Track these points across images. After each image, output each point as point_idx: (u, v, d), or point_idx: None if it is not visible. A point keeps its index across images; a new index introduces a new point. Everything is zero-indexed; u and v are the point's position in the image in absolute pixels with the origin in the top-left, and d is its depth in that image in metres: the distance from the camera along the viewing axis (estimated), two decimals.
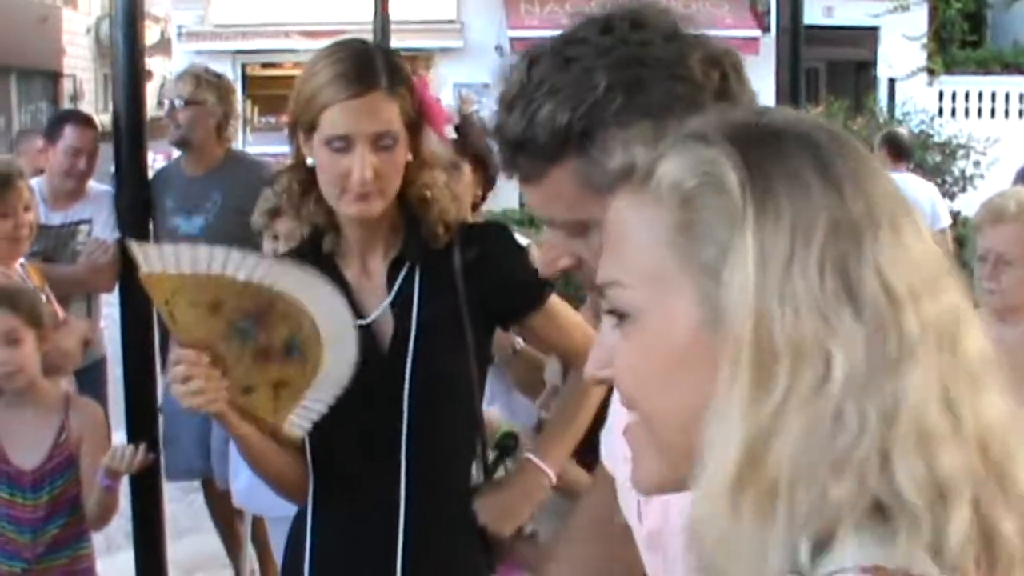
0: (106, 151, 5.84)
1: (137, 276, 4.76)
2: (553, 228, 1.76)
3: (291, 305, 2.62)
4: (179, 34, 22.96)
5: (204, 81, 6.15)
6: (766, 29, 22.32)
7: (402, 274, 2.89)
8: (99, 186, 6.39)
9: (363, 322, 2.83)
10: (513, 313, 3.06)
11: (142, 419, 5.47)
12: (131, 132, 5.38)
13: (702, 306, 1.21)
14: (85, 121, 6.54)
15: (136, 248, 2.60)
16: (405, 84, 2.82)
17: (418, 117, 2.85)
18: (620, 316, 1.27)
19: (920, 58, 23.45)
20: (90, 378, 5.71)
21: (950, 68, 23.93)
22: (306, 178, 2.84)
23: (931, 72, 23.66)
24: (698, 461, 1.19)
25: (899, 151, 9.95)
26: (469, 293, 2.86)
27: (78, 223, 6.12)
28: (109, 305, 6.12)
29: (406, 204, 2.88)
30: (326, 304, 2.65)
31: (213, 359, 2.64)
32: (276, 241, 4.79)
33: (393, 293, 2.88)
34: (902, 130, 12.15)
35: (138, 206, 5.50)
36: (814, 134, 1.25)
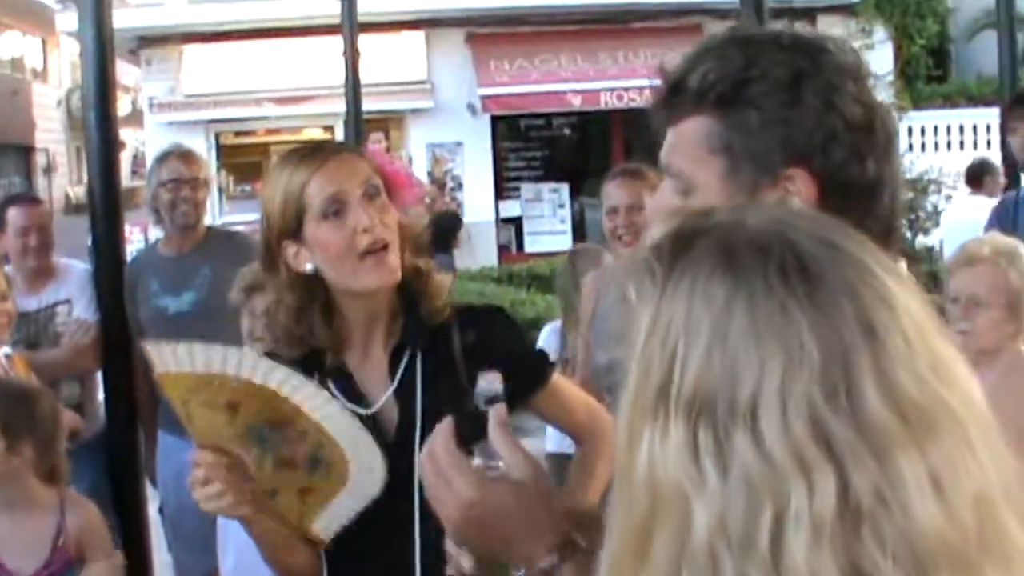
0: (81, 224, 5.86)
1: (116, 352, 4.79)
2: (670, 180, 1.93)
3: (311, 423, 2.61)
4: (150, 105, 22.95)
5: (195, 158, 6.17)
6: None
7: (404, 361, 2.90)
8: (75, 265, 6.39)
9: (368, 411, 2.85)
10: (517, 395, 2.97)
11: (130, 490, 5.49)
12: (107, 207, 5.41)
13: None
14: (27, 200, 6.56)
15: (151, 348, 2.59)
16: (364, 153, 2.87)
17: (388, 185, 2.88)
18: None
19: (887, 96, 23.56)
20: (89, 452, 5.68)
21: (917, 104, 24.03)
22: (305, 291, 2.84)
23: (900, 109, 23.76)
24: None
25: None
26: (471, 377, 2.83)
27: (55, 305, 6.11)
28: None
29: (402, 284, 2.88)
30: (347, 430, 2.65)
31: (232, 461, 2.62)
32: (254, 318, 4.75)
33: (396, 381, 2.89)
34: None
35: (116, 280, 5.53)
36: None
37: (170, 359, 2.57)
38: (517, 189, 24.18)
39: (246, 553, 4.73)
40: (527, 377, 3.03)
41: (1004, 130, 7.15)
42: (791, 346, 1.23)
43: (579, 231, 24.37)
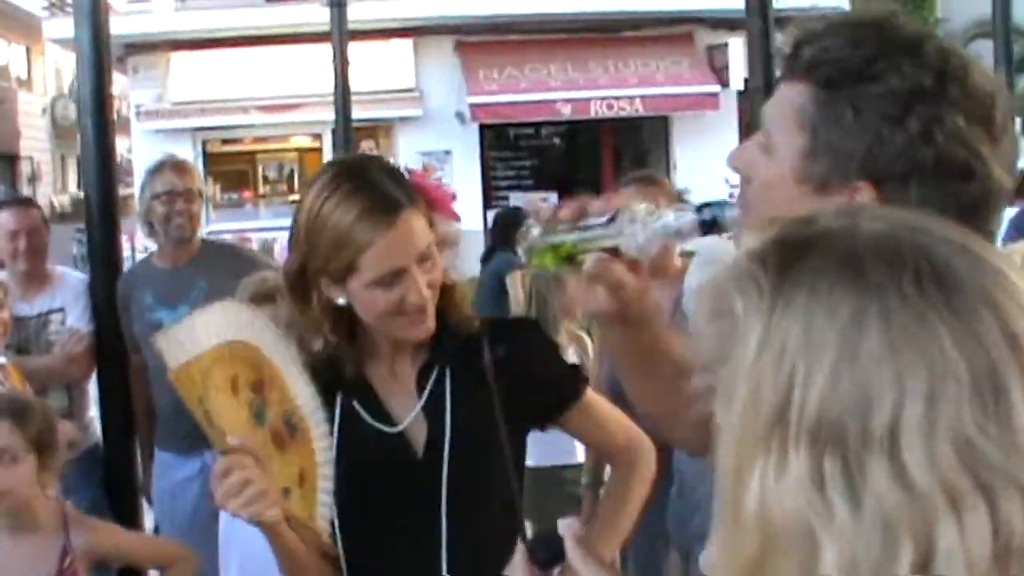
0: (66, 232, 5.77)
1: (112, 365, 4.68)
2: (761, 132, 1.87)
3: (268, 362, 2.55)
4: (138, 112, 22.87)
5: (189, 170, 6.05)
6: (725, 84, 22.43)
7: (432, 377, 2.80)
8: (70, 273, 6.30)
9: (395, 429, 2.75)
10: (549, 411, 2.95)
11: (126, 504, 5.41)
12: (103, 216, 5.35)
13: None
14: (18, 203, 6.46)
15: (162, 341, 2.50)
16: (412, 187, 2.74)
17: (429, 210, 2.76)
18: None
19: None
20: (84, 467, 5.60)
21: None
22: (334, 322, 2.72)
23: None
24: None
25: None
26: (502, 393, 2.73)
27: (48, 312, 6.02)
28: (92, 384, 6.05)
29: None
30: (278, 345, 2.58)
31: (259, 460, 2.49)
32: None
33: (424, 397, 2.79)
34: None
35: (112, 291, 5.46)
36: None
37: (181, 345, 2.49)
38: (506, 198, 24.10)
39: (249, 569, 4.65)
40: (560, 393, 2.93)
41: None
42: (934, 361, 1.11)
43: None
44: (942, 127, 1.70)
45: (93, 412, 6.35)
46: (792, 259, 1.20)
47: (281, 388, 2.55)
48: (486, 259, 11.27)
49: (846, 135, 1.72)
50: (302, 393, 2.59)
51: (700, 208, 1.89)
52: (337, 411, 2.77)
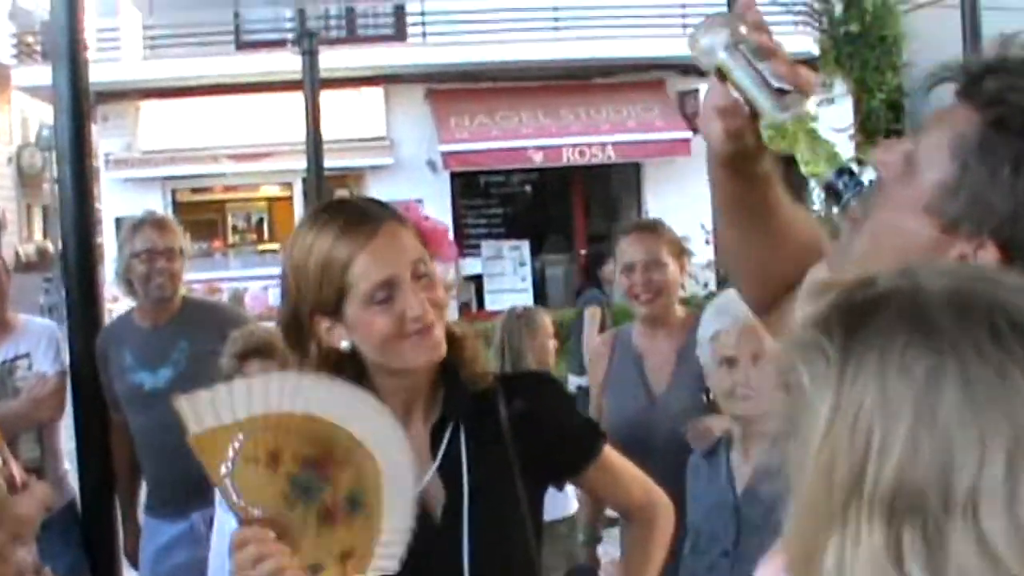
0: (31, 282, 5.65)
1: (90, 419, 4.54)
2: (916, 135, 1.77)
3: (350, 439, 2.39)
4: (107, 161, 22.74)
5: (170, 227, 5.90)
6: (696, 130, 22.42)
7: (447, 435, 2.67)
8: (33, 319, 6.16)
9: None
10: (567, 469, 2.85)
11: (107, 567, 5.27)
12: (81, 267, 5.24)
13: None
14: None
15: (185, 406, 2.36)
16: (401, 214, 2.65)
17: (424, 240, 2.65)
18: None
19: (848, 149, 23.70)
20: (60, 528, 5.44)
21: None
22: (336, 372, 2.58)
23: (860, 163, 23.86)
24: None
25: None
26: (519, 451, 2.64)
27: (14, 359, 5.87)
28: (69, 440, 5.90)
29: (444, 360, 2.65)
30: (381, 426, 2.43)
31: (279, 535, 2.36)
32: None
33: (440, 456, 2.67)
34: None
35: (92, 345, 5.35)
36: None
37: (207, 413, 2.35)
38: (477, 247, 24.07)
39: None
40: (578, 450, 2.83)
41: None
42: (1017, 417, 1.03)
43: (540, 288, 24.29)
44: None
45: (67, 466, 6.20)
46: (858, 322, 1.14)
47: (358, 466, 2.41)
48: (578, 293, 12.64)
49: (995, 187, 1.61)
50: (388, 478, 2.44)
51: (841, 172, 1.82)
52: None
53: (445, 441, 2.66)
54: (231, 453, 2.36)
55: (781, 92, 1.85)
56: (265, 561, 2.30)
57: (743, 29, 1.91)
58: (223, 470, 2.36)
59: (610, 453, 2.88)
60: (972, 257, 1.61)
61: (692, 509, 3.98)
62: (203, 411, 2.35)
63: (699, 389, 4.62)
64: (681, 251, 5.18)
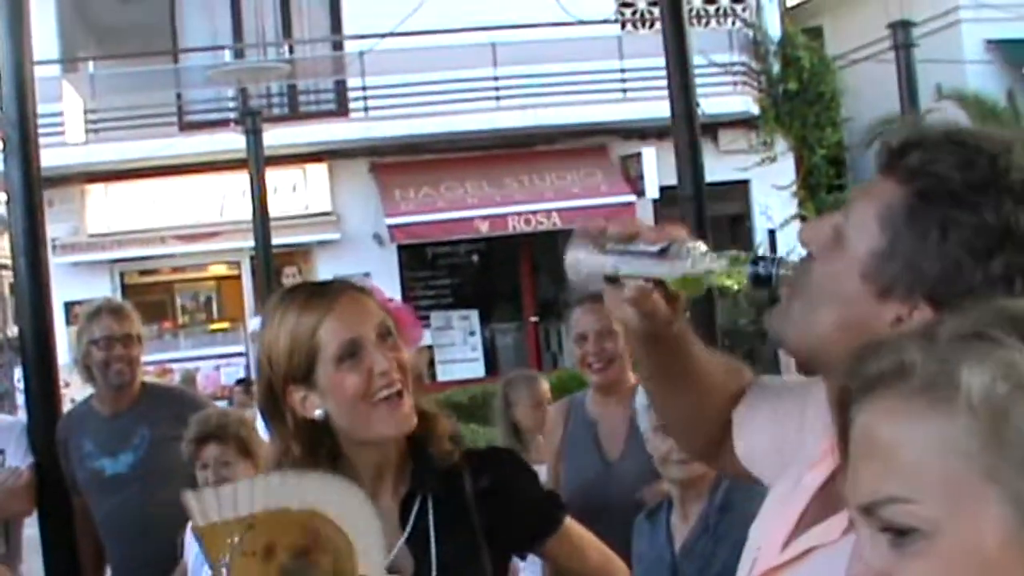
0: None
1: (53, 506, 4.59)
2: (840, 211, 1.85)
3: (334, 528, 2.49)
4: (54, 246, 22.67)
5: (128, 314, 5.95)
6: (640, 194, 22.61)
7: (415, 508, 2.76)
8: (5, 417, 6.21)
9: None
10: (530, 540, 2.94)
11: None
12: (40, 358, 5.27)
13: (1016, 512, 1.14)
14: None
15: (191, 500, 2.47)
16: (367, 291, 2.75)
17: (393, 325, 2.75)
18: (901, 534, 1.20)
19: (791, 206, 23.92)
20: None
21: (820, 212, 24.38)
22: (312, 438, 2.70)
23: (803, 219, 24.12)
24: None
25: None
26: (484, 523, 2.72)
27: None
28: (30, 526, 5.92)
29: (414, 433, 2.75)
30: (354, 511, 2.52)
31: None
32: (206, 469, 4.86)
33: (408, 529, 2.75)
34: None
35: (52, 434, 5.38)
36: None
37: (212, 509, 2.46)
38: (427, 318, 24.08)
39: None
40: (541, 521, 2.92)
41: None
42: None
43: (491, 357, 24.32)
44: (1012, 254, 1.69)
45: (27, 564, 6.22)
46: None
47: (336, 550, 2.50)
48: None
49: (926, 252, 1.71)
50: (361, 555, 2.52)
51: (756, 260, 1.90)
52: None
53: (414, 514, 2.74)
54: (229, 547, 2.46)
55: (663, 252, 1.96)
56: None
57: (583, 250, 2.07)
58: (221, 562, 2.47)
59: (571, 524, 2.97)
60: (907, 318, 1.71)
61: (635, 567, 4.11)
62: (208, 507, 2.46)
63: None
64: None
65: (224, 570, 2.49)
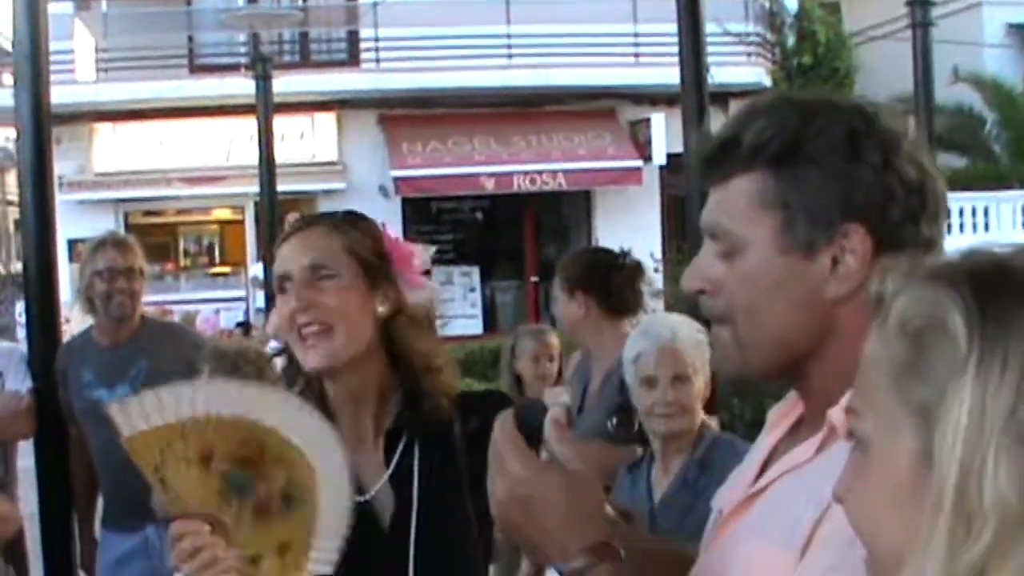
0: None
1: (50, 435, 4.63)
2: (711, 243, 1.88)
3: (281, 441, 2.52)
4: (60, 183, 22.70)
5: (130, 247, 5.99)
6: (647, 159, 22.62)
7: (400, 447, 2.78)
8: (4, 343, 6.25)
9: (362, 498, 2.73)
10: None
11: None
12: (42, 288, 5.32)
13: (918, 445, 1.21)
14: None
15: (116, 411, 2.46)
16: (359, 228, 2.78)
17: (381, 261, 2.77)
18: (857, 443, 1.31)
19: None
20: (8, 554, 5.50)
21: None
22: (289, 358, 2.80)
23: None
24: None
25: None
26: (471, 467, 2.68)
27: None
28: (25, 457, 5.97)
29: (401, 370, 2.78)
30: (311, 429, 2.55)
31: (214, 528, 2.49)
32: None
33: (392, 467, 2.77)
34: None
35: (51, 363, 5.44)
36: None
37: (138, 417, 2.45)
38: (428, 272, 24.07)
39: None
40: None
41: None
42: None
43: (490, 315, 24.38)
44: (893, 151, 1.79)
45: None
46: (996, 305, 1.21)
47: (290, 466, 2.53)
48: None
49: (817, 192, 1.78)
50: (324, 479, 2.55)
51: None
52: None
53: (398, 452, 2.77)
54: (160, 455, 2.47)
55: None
56: (202, 551, 2.42)
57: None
58: (154, 469, 2.48)
59: None
60: (841, 252, 1.78)
61: None
62: (134, 415, 2.45)
63: (608, 415, 4.80)
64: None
65: (159, 483, 2.49)
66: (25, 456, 5.96)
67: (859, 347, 1.78)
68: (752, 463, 1.97)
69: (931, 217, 1.81)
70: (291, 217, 19.06)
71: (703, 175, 1.91)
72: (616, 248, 5.51)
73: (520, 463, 1.90)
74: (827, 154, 1.78)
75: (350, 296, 2.71)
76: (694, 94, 6.34)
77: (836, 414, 1.71)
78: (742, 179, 1.83)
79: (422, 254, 2.92)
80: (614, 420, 4.80)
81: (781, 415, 1.99)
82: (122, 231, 21.82)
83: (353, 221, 2.79)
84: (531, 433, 1.94)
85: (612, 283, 5.15)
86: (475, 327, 23.24)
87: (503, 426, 1.95)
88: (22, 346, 6.00)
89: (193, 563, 2.44)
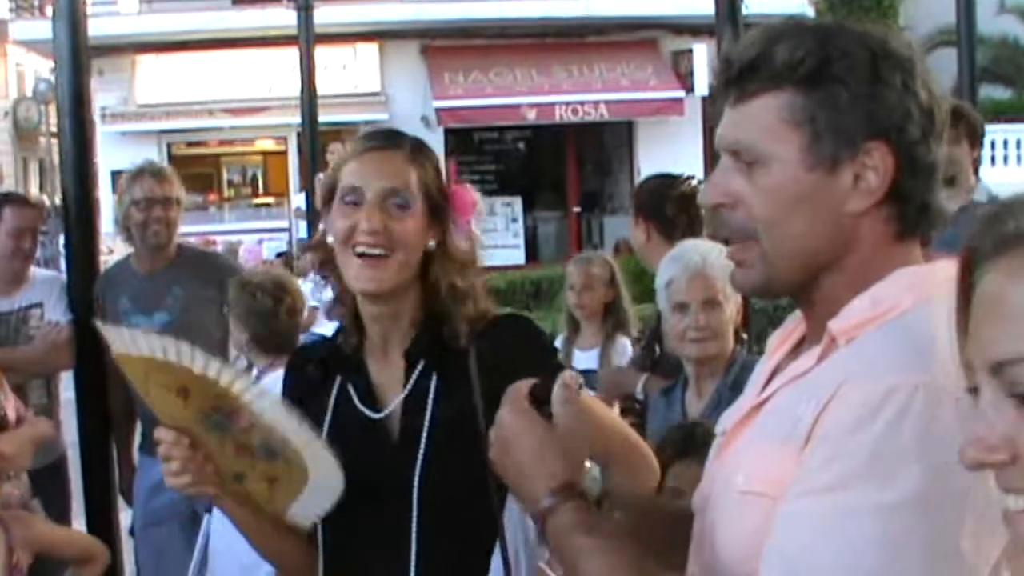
0: None
1: (89, 364, 4.71)
2: (731, 159, 1.92)
3: (257, 419, 2.57)
4: (103, 115, 22.78)
5: (168, 178, 6.03)
6: (689, 90, 22.53)
7: (418, 369, 2.82)
8: (43, 271, 6.32)
9: (378, 415, 2.79)
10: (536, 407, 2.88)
11: (103, 504, 5.43)
12: (81, 216, 5.37)
13: None
14: (24, 202, 6.46)
15: (108, 330, 2.58)
16: (431, 161, 2.80)
17: (442, 200, 2.79)
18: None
19: None
20: (50, 479, 5.59)
21: None
22: (326, 257, 2.82)
23: None
24: None
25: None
26: (486, 391, 2.68)
27: (28, 308, 6.03)
28: (67, 390, 6.05)
29: (431, 299, 2.80)
30: (296, 432, 2.59)
31: (195, 442, 2.61)
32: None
33: (408, 388, 2.82)
34: None
35: (89, 291, 5.49)
36: None
37: (126, 340, 2.55)
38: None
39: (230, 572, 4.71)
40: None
41: None
42: None
43: (532, 245, 24.41)
44: (910, 74, 1.85)
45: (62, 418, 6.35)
46: None
47: (266, 432, 2.58)
48: None
49: (845, 110, 1.83)
50: (296, 439, 2.60)
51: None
52: (334, 392, 2.85)
53: (416, 373, 2.82)
54: (144, 376, 2.60)
55: None
56: (172, 461, 2.61)
57: None
58: (141, 384, 2.61)
59: (589, 400, 2.89)
60: (864, 171, 1.83)
61: (648, 441, 4.18)
62: (122, 339, 2.55)
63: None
64: None
65: (146, 399, 2.63)
66: (67, 388, 6.03)
67: (874, 258, 1.85)
68: (755, 385, 2.02)
69: (938, 138, 1.87)
70: (333, 147, 19.15)
71: (722, 94, 1.94)
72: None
73: (507, 409, 2.11)
74: (853, 74, 1.83)
75: (415, 228, 2.74)
76: (729, 24, 6.32)
77: (836, 323, 1.80)
78: (768, 97, 1.87)
79: (480, 205, 2.93)
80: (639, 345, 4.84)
81: (780, 340, 2.04)
82: (165, 162, 22.02)
83: (428, 154, 2.82)
84: (542, 402, 2.11)
85: (667, 208, 5.15)
86: (517, 257, 23.28)
87: (515, 390, 2.14)
88: (62, 275, 6.06)
89: (164, 467, 2.60)
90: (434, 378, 2.79)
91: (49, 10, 5.31)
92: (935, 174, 1.88)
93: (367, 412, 2.80)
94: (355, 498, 2.68)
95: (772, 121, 1.87)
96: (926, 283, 1.79)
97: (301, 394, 2.80)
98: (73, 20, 5.28)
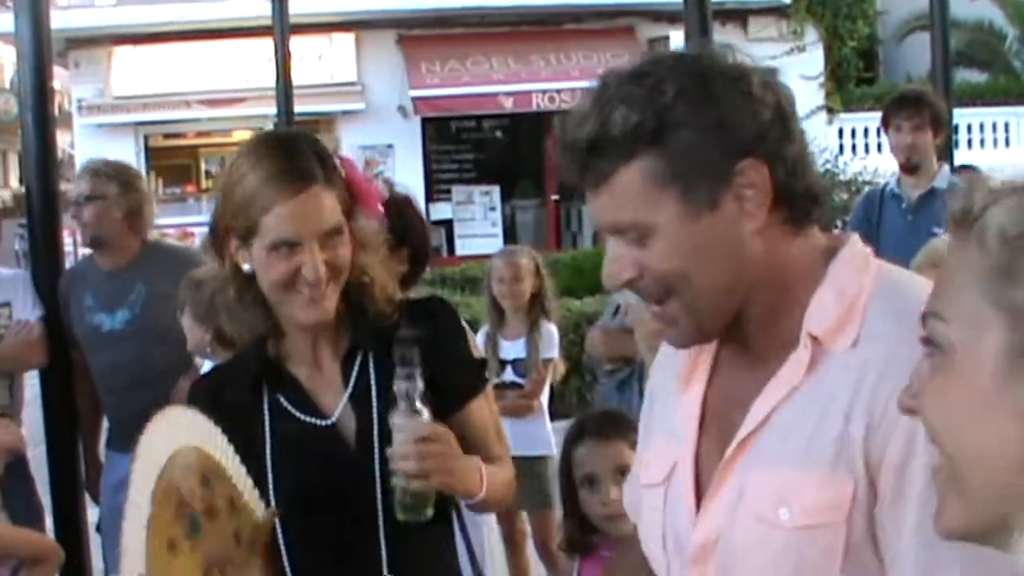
0: (8, 227, 5.77)
1: (55, 359, 4.69)
2: (618, 238, 1.90)
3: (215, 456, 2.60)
4: (79, 107, 22.73)
5: (103, 175, 5.93)
6: None
7: (356, 366, 2.80)
8: (6, 270, 6.27)
9: (326, 422, 2.76)
10: (459, 395, 2.88)
11: (69, 501, 5.41)
12: (45, 212, 5.34)
13: (1011, 347, 1.25)
14: None
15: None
16: (335, 168, 2.73)
17: (352, 201, 2.76)
18: (934, 348, 1.33)
19: (818, 97, 23.76)
20: (15, 475, 5.56)
21: (848, 106, 24.26)
22: (242, 285, 2.73)
23: (830, 110, 23.99)
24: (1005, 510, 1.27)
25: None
26: (422, 374, 2.64)
27: None
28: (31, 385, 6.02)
29: (347, 291, 2.76)
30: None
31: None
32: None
33: (350, 387, 2.79)
34: None
35: (55, 287, 5.45)
36: None
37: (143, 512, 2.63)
38: (448, 192, 24.15)
39: None
40: (470, 378, 2.95)
41: (886, 127, 7.04)
42: None
43: (510, 233, 24.38)
44: (742, 81, 1.84)
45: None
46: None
47: (223, 475, 2.59)
48: None
49: (702, 149, 1.81)
50: (235, 468, 2.62)
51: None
52: (265, 407, 2.79)
53: (355, 371, 2.79)
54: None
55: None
56: None
57: None
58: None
59: (490, 394, 2.97)
60: (743, 191, 1.82)
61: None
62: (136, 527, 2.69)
63: None
64: None
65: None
66: (32, 382, 6.00)
67: (785, 260, 1.86)
68: (679, 426, 2.02)
69: (794, 122, 1.88)
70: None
71: (580, 180, 1.91)
72: None
73: None
74: (693, 112, 1.80)
75: (347, 246, 2.71)
76: (696, 11, 6.30)
77: (814, 325, 1.80)
78: (625, 170, 1.84)
79: (381, 195, 2.91)
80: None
81: (689, 369, 2.03)
82: (142, 154, 22.02)
83: (330, 159, 2.74)
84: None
85: None
86: (495, 245, 23.09)
87: None
88: (25, 272, 6.02)
89: None
90: (372, 371, 2.78)
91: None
92: (805, 157, 1.89)
93: (313, 421, 2.78)
94: (320, 509, 2.68)
95: (640, 192, 1.84)
96: (866, 261, 1.86)
97: (223, 420, 2.67)
98: (35, 12, 5.24)
